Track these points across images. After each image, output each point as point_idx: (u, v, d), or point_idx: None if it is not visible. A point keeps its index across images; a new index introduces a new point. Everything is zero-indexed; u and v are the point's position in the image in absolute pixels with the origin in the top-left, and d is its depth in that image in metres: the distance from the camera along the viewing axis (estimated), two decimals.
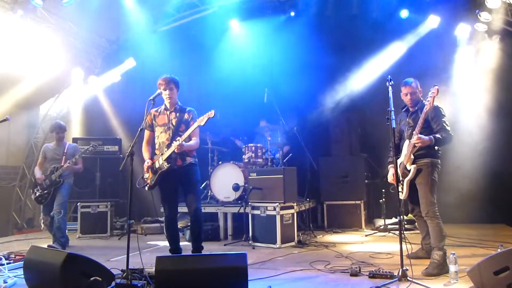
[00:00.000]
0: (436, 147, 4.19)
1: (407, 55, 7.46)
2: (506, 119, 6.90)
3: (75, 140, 7.56)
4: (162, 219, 7.03)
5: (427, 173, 4.18)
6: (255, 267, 4.48)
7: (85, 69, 8.48)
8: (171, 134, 4.44)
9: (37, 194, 5.93)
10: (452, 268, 3.63)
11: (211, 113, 4.19)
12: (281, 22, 8.10)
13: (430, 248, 4.32)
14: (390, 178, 4.49)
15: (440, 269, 3.92)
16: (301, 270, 4.28)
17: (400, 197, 4.30)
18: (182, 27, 8.25)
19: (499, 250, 3.77)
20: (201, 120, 4.22)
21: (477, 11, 6.82)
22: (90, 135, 8.07)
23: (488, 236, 5.90)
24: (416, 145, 4.07)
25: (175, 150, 4.24)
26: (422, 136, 4.04)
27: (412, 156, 4.22)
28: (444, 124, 4.14)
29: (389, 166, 4.55)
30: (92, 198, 7.27)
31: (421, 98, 4.35)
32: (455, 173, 6.94)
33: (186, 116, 4.52)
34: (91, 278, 3.43)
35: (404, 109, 4.51)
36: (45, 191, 5.91)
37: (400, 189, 4.26)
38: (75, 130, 8.80)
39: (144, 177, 4.50)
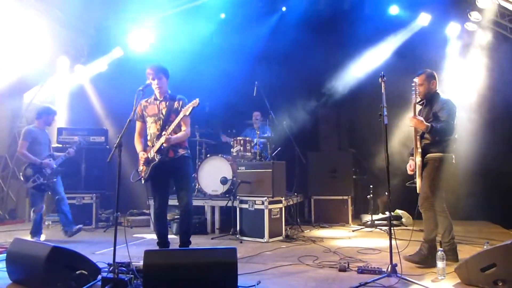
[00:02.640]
0: (444, 141, 4.17)
1: (398, 52, 7.49)
2: (493, 118, 6.99)
3: (60, 130, 7.41)
4: (149, 211, 7.00)
5: (431, 167, 4.20)
6: (243, 261, 4.45)
7: (71, 57, 8.28)
8: (161, 125, 4.33)
9: (39, 182, 5.67)
10: (439, 264, 3.66)
11: (196, 102, 4.09)
12: (273, 16, 8.05)
13: (448, 248, 4.23)
14: (408, 168, 4.47)
15: (422, 260, 3.98)
16: (289, 265, 4.28)
17: (417, 191, 4.31)
18: (172, 18, 8.11)
19: (485, 247, 3.82)
20: (186, 110, 4.12)
21: (467, 10, 6.87)
22: (75, 125, 7.90)
23: (472, 232, 5.99)
24: (410, 125, 4.12)
25: (164, 144, 4.16)
26: (419, 117, 4.08)
27: (419, 149, 4.21)
28: (448, 116, 4.12)
29: (409, 157, 4.52)
30: (77, 190, 7.13)
31: (435, 91, 4.34)
32: None
33: (176, 105, 4.39)
34: (77, 272, 3.37)
35: (420, 102, 4.43)
36: (47, 180, 5.73)
37: (416, 183, 4.30)
38: (60, 120, 8.61)
39: (138, 170, 4.40)
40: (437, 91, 4.39)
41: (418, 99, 4.24)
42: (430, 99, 4.34)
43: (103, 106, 8.73)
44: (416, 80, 4.22)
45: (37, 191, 5.77)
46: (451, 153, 4.27)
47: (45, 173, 5.73)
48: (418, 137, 4.22)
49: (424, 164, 4.23)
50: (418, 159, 4.20)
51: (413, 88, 4.11)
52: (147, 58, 7.82)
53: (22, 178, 5.78)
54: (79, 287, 3.29)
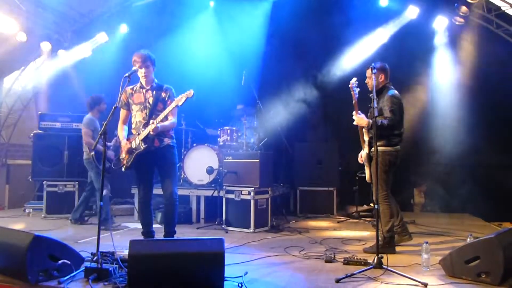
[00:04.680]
0: (387, 136, 4.36)
1: (387, 44, 7.49)
2: (478, 113, 7.06)
3: (42, 116, 7.22)
4: (132, 200, 6.91)
5: (376, 162, 4.33)
6: (229, 251, 4.42)
7: (54, 42, 8.05)
8: (148, 113, 4.24)
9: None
10: (424, 256, 3.70)
11: (190, 93, 4.02)
12: (261, 4, 7.94)
13: (401, 230, 4.58)
14: (359, 158, 4.76)
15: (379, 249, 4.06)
16: (276, 255, 4.27)
17: (366, 180, 4.59)
18: (159, 4, 7.93)
19: (468, 239, 3.88)
20: (179, 100, 4.04)
21: (455, 4, 6.89)
22: (57, 111, 7.70)
23: (455, 225, 6.09)
24: (354, 123, 4.34)
25: (151, 132, 4.08)
26: (360, 115, 4.28)
27: (366, 142, 4.46)
28: (390, 112, 4.29)
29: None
30: (59, 177, 6.99)
31: (383, 85, 4.52)
32: (425, 162, 7.10)
33: (163, 94, 4.31)
34: (59, 261, 3.30)
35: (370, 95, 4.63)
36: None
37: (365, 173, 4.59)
38: (42, 105, 8.40)
39: (120, 157, 4.31)
40: (386, 85, 4.54)
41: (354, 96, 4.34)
42: (378, 93, 4.43)
43: (86, 92, 8.50)
44: (353, 80, 4.28)
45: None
46: (395, 147, 4.44)
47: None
48: (365, 130, 4.43)
49: (371, 157, 4.43)
50: (364, 151, 4.50)
51: (353, 86, 4.22)
52: (132, 44, 7.65)
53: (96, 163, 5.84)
54: (62, 277, 3.23)
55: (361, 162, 4.72)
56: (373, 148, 4.35)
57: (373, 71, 3.96)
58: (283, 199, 7.32)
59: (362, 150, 4.59)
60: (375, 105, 3.79)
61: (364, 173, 4.66)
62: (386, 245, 4.26)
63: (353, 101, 4.28)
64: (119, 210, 7.25)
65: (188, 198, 6.64)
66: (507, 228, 4.03)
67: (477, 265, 3.31)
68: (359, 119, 4.27)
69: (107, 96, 6.30)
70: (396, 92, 4.49)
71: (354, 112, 4.29)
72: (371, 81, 4.37)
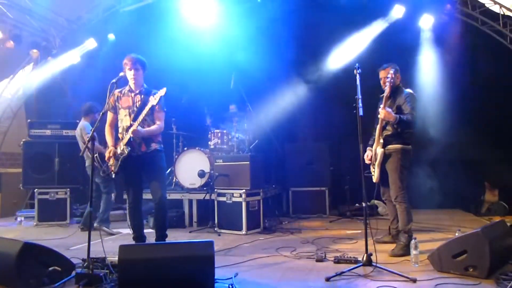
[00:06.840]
0: (405, 133, 4.32)
1: (374, 44, 7.53)
2: (465, 108, 7.13)
3: (31, 123, 7.19)
4: (125, 205, 6.89)
5: (396, 159, 4.33)
6: (221, 254, 4.45)
7: (42, 49, 8.03)
8: (134, 118, 4.25)
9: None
10: (413, 252, 3.75)
11: (163, 91, 4.03)
12: (250, 3, 7.95)
13: (396, 233, 4.54)
14: (366, 158, 4.58)
15: (405, 251, 4.11)
16: (267, 256, 4.30)
17: (373, 181, 4.44)
18: (147, 8, 7.94)
19: (457, 234, 3.92)
20: (154, 100, 4.05)
21: (440, 2, 6.99)
22: (47, 118, 7.68)
23: (445, 220, 6.16)
24: (379, 117, 4.23)
25: (131, 136, 4.08)
26: (389, 109, 4.18)
27: (381, 140, 4.34)
28: (412, 109, 4.29)
29: (367, 148, 4.63)
30: (50, 185, 6.97)
31: (398, 84, 4.50)
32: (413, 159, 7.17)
33: (151, 99, 4.33)
34: (50, 268, 3.30)
35: (382, 95, 4.55)
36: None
37: (372, 173, 4.43)
38: (31, 113, 8.37)
39: (109, 164, 4.30)
40: (400, 84, 4.54)
41: (387, 91, 4.35)
42: (393, 91, 4.45)
43: (76, 98, 8.49)
44: (391, 71, 4.33)
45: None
46: (410, 145, 4.42)
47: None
48: (379, 128, 4.35)
49: (386, 156, 4.34)
50: (380, 150, 4.33)
51: (388, 80, 4.26)
52: (121, 50, 7.63)
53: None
54: (52, 284, 3.23)
55: (368, 162, 4.53)
56: (388, 146, 4.34)
57: (358, 71, 3.97)
58: (276, 200, 7.34)
59: (377, 148, 4.36)
60: (360, 104, 3.79)
61: (370, 173, 4.49)
62: (405, 247, 4.12)
63: (385, 94, 4.27)
64: (111, 216, 7.20)
65: (181, 202, 6.65)
66: (493, 221, 4.10)
67: (465, 259, 3.37)
68: (387, 113, 4.14)
69: (96, 103, 6.31)
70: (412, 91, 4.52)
71: (381, 106, 4.21)
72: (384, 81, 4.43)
